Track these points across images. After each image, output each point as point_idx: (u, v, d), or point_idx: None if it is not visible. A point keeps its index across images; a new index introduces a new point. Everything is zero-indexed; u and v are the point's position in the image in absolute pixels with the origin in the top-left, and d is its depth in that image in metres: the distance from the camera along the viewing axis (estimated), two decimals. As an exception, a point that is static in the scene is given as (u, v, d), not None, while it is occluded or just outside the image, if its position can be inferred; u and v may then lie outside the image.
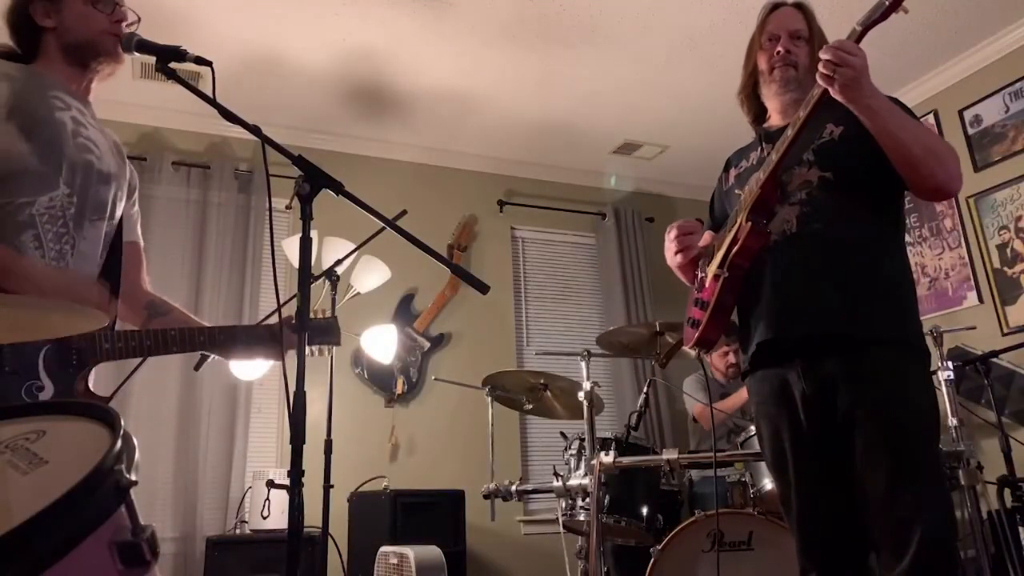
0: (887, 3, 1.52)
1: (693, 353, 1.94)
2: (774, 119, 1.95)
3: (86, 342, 1.47)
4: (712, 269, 1.84)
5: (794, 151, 1.74)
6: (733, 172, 2.01)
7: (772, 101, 1.93)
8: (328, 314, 3.22)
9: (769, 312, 1.75)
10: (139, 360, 1.66)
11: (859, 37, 1.58)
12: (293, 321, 1.71)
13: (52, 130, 1.52)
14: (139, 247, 1.84)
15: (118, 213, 1.68)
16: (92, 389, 1.51)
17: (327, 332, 1.81)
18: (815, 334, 1.68)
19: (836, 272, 1.69)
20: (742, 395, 3.53)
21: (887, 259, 1.73)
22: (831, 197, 1.73)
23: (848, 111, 1.68)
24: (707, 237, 2.09)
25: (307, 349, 1.64)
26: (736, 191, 1.90)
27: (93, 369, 1.53)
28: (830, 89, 1.57)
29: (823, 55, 1.57)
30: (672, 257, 1.94)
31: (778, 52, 1.86)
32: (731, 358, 3.78)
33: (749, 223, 1.74)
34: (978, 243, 3.98)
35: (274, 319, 1.63)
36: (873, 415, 1.61)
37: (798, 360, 1.70)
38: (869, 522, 1.63)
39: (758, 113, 2.00)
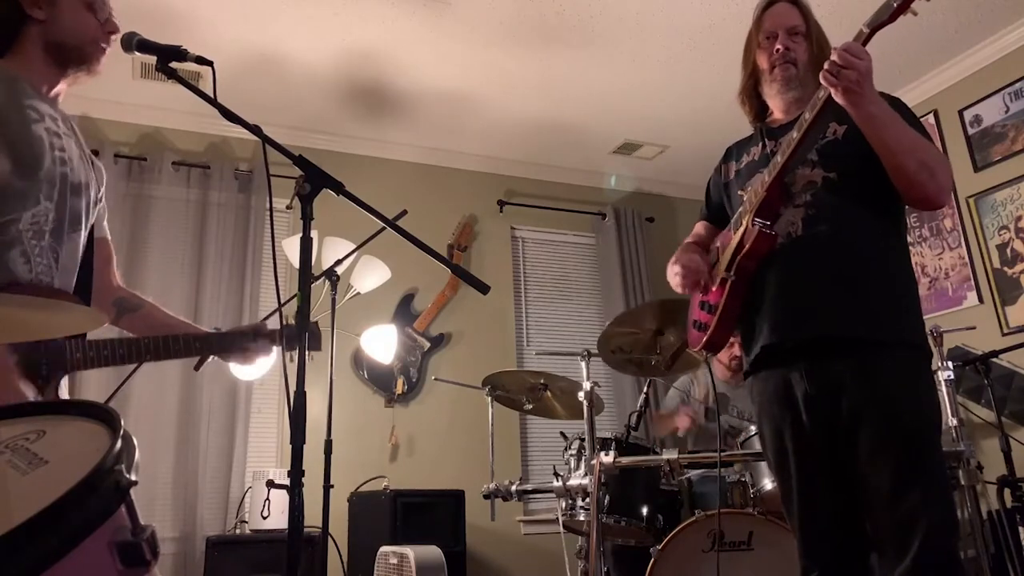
0: (895, 5, 1.50)
1: (700, 357, 1.94)
2: (776, 116, 1.95)
3: (56, 351, 1.44)
4: (718, 273, 1.83)
5: (801, 147, 1.73)
6: (733, 166, 2.00)
7: (774, 100, 1.92)
8: (326, 313, 3.22)
9: (774, 314, 1.74)
10: (134, 365, 1.65)
11: (866, 39, 1.56)
12: (269, 328, 1.73)
13: (31, 145, 1.49)
14: (107, 241, 1.80)
15: (90, 222, 1.65)
16: (61, 398, 1.48)
17: (309, 338, 1.79)
18: (820, 336, 1.67)
19: (842, 275, 1.69)
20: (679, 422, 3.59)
21: (892, 260, 1.73)
22: (836, 198, 1.73)
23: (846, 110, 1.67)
24: (700, 230, 2.09)
25: (287, 355, 1.65)
26: (739, 191, 1.89)
27: (65, 378, 1.51)
28: (833, 92, 1.56)
29: (831, 57, 1.56)
30: (677, 286, 1.94)
31: (777, 50, 1.85)
32: (735, 350, 3.73)
33: (756, 226, 1.73)
34: (978, 243, 3.98)
35: (271, 320, 1.62)
36: (879, 415, 1.61)
37: (801, 361, 1.70)
38: (872, 521, 1.63)
39: (759, 111, 1.99)
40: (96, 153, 3.96)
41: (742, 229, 1.79)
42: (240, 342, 1.70)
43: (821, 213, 1.72)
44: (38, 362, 1.42)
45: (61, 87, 1.62)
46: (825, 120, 1.74)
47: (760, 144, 1.91)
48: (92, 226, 1.68)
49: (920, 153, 1.63)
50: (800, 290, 1.71)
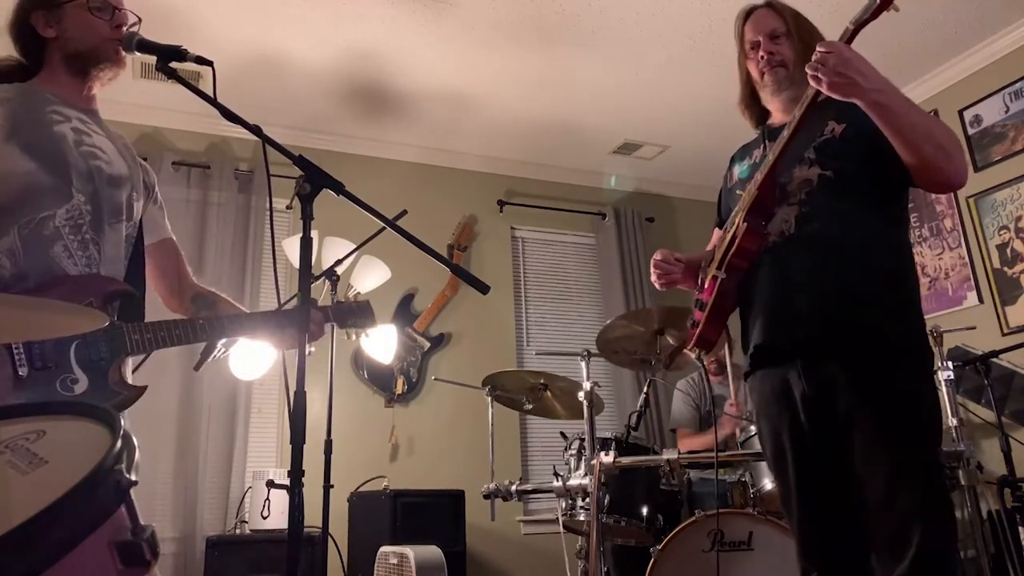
0: (877, 2, 1.52)
1: (693, 354, 1.94)
2: (776, 117, 1.95)
3: (115, 334, 1.49)
4: (711, 271, 1.84)
5: (794, 149, 1.73)
6: (736, 170, 2.01)
7: (772, 103, 1.93)
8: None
9: (767, 314, 1.75)
10: (141, 359, 1.67)
11: (851, 36, 1.58)
12: (319, 305, 1.76)
13: (53, 143, 1.54)
14: (174, 242, 1.90)
15: (136, 214, 1.70)
16: (126, 379, 1.53)
17: (362, 315, 1.82)
18: (813, 336, 1.67)
19: (834, 274, 1.68)
20: (708, 438, 3.56)
21: (887, 259, 1.72)
22: (831, 197, 1.72)
23: (849, 108, 1.65)
24: (715, 237, 2.09)
25: (342, 331, 1.66)
26: (738, 191, 1.90)
27: (128, 360, 1.55)
28: (821, 90, 1.57)
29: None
30: (655, 281, 2.00)
31: (762, 57, 1.87)
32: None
33: (746, 224, 1.74)
34: (978, 243, 3.98)
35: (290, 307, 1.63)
36: (873, 415, 1.60)
37: (798, 360, 1.70)
38: (869, 522, 1.62)
39: (760, 117, 2.00)
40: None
41: (734, 228, 1.80)
42: (288, 320, 1.68)
43: (814, 211, 1.72)
44: (98, 346, 1.46)
45: (94, 91, 1.68)
46: (822, 115, 1.74)
47: (762, 146, 1.92)
48: (143, 222, 1.73)
49: (936, 137, 1.62)
50: (792, 289, 1.71)
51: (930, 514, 1.55)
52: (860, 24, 1.56)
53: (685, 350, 2.00)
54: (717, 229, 2.09)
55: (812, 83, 1.58)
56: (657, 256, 1.99)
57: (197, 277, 1.96)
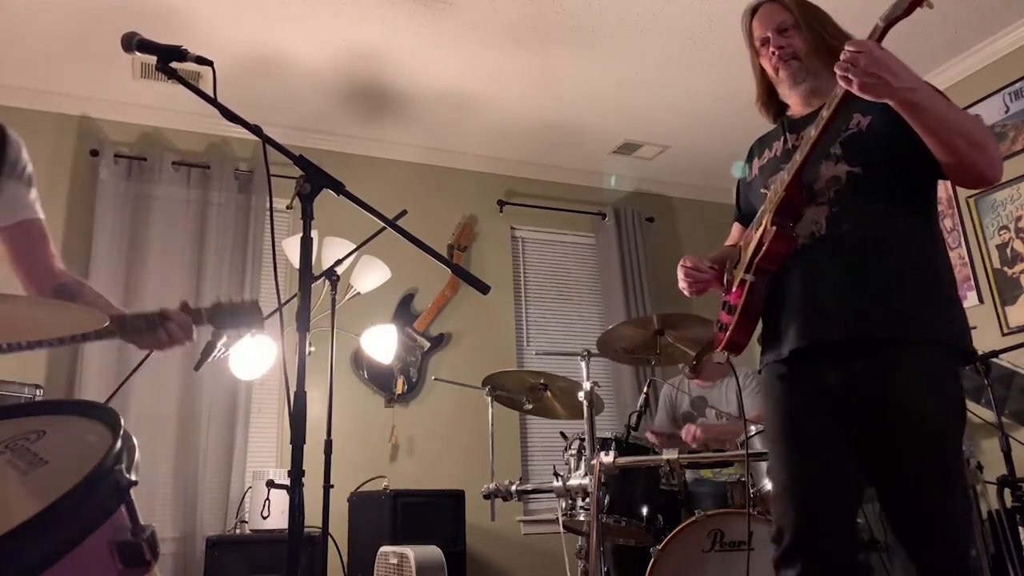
0: None
1: (723, 357, 1.91)
2: (795, 109, 1.92)
3: None
4: (739, 273, 1.81)
5: (820, 145, 1.69)
6: (756, 163, 1.97)
7: (791, 97, 1.90)
8: (326, 313, 3.21)
9: (800, 317, 1.70)
10: (142, 358, 1.63)
11: (881, 34, 1.53)
12: (190, 306, 1.55)
13: None
14: (38, 223, 1.68)
15: None
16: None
17: (247, 316, 1.57)
18: (846, 339, 1.63)
19: (867, 275, 1.65)
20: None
21: (920, 257, 1.68)
22: (860, 195, 1.69)
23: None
24: (736, 233, 2.07)
25: (220, 344, 1.54)
26: (761, 189, 1.86)
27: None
28: (852, 90, 1.52)
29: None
30: (684, 289, 1.95)
31: (773, 52, 1.85)
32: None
33: (775, 227, 1.70)
34: (978, 243, 3.98)
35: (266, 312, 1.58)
36: (893, 417, 1.57)
37: (826, 360, 1.66)
38: (888, 523, 1.59)
39: (779, 112, 1.97)
40: (95, 153, 4.00)
41: (761, 229, 1.75)
42: (148, 324, 1.51)
43: (845, 211, 1.69)
44: None
45: None
46: (847, 112, 1.70)
47: (782, 138, 1.88)
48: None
49: (968, 131, 1.58)
50: (825, 292, 1.67)
51: (949, 512, 1.52)
52: (891, 21, 1.51)
53: (715, 353, 1.96)
54: (737, 224, 2.06)
55: (842, 83, 1.53)
56: (687, 263, 1.92)
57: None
